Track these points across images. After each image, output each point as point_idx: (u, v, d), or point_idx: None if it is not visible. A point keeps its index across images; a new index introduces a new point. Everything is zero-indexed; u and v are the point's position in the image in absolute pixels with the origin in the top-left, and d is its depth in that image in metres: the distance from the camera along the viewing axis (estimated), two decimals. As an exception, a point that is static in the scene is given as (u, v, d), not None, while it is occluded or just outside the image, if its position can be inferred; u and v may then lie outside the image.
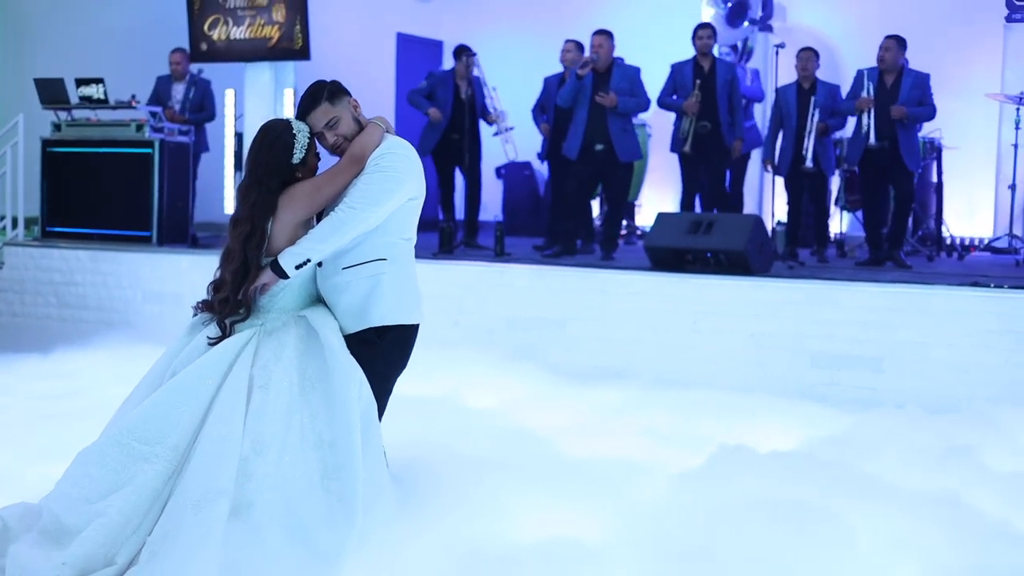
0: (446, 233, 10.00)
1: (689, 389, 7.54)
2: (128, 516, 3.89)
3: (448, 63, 14.84)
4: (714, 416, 6.87)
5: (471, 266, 9.08)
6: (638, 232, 12.75)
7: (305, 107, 4.39)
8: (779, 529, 4.52)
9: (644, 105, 9.86)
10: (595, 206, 11.56)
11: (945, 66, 9.68)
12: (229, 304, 4.22)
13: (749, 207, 12.04)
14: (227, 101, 11.37)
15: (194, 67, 11.39)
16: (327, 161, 4.42)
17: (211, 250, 10.37)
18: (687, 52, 10.47)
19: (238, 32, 10.60)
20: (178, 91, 11.47)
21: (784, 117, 10.33)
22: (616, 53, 10.03)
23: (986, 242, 12.12)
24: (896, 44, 9.62)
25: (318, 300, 4.42)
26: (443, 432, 5.81)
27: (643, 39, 12.36)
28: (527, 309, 8.64)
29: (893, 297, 7.54)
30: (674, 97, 10.17)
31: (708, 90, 10.01)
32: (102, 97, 10.82)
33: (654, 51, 11.70)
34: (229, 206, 11.29)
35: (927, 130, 10.45)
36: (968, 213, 12.66)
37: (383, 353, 4.36)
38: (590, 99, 9.70)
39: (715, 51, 10.78)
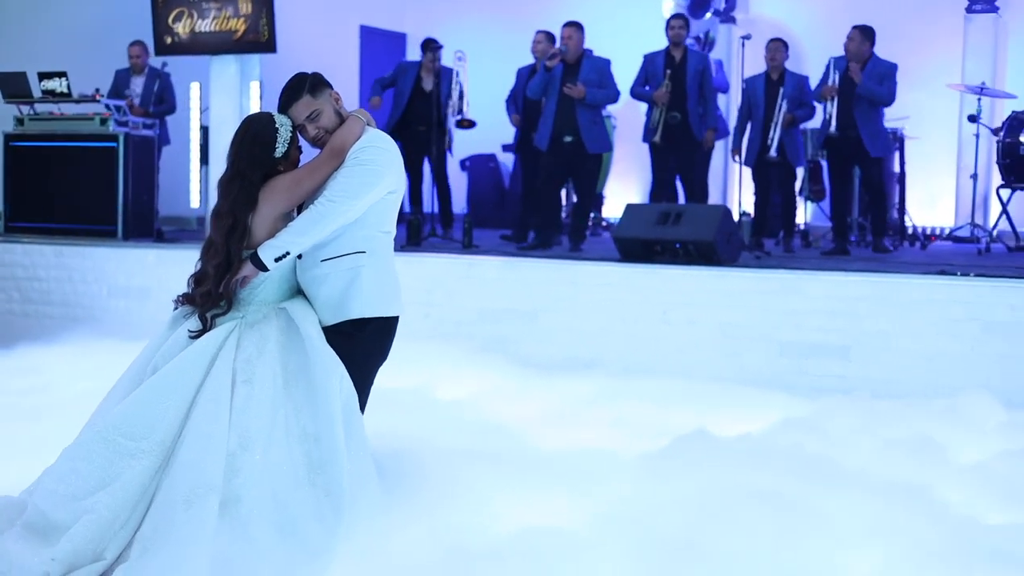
0: (414, 225, 10.00)
1: (659, 379, 7.58)
2: (116, 512, 3.88)
3: (412, 56, 14.88)
4: (684, 406, 6.89)
5: (440, 258, 9.08)
6: (604, 223, 12.79)
7: (286, 100, 4.38)
8: (751, 517, 4.54)
9: (613, 97, 9.87)
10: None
11: (906, 57, 9.76)
12: (211, 297, 4.21)
13: (714, 198, 12.11)
14: (192, 95, 11.30)
15: (158, 60, 11.32)
16: (308, 153, 4.41)
17: (177, 244, 10.33)
18: (656, 44, 10.51)
19: (203, 25, 10.52)
20: (137, 84, 11.40)
21: (752, 107, 10.38)
22: (587, 45, 10.03)
23: (947, 231, 12.26)
24: (860, 34, 9.67)
25: (298, 292, 4.42)
26: (415, 425, 5.79)
27: (611, 31, 12.39)
28: (497, 301, 8.65)
29: (860, 286, 7.60)
30: (646, 88, 10.20)
31: (678, 80, 10.05)
32: (65, 91, 10.73)
33: (624, 43, 11.73)
34: (195, 200, 11.23)
35: (889, 120, 10.52)
36: (930, 202, 12.80)
37: (362, 345, 4.36)
38: (559, 91, 9.71)
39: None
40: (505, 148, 13.90)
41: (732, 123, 12.04)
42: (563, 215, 11.22)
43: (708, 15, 13.39)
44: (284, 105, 4.39)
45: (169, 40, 10.77)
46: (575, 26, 9.81)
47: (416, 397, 6.87)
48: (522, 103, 10.84)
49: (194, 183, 11.31)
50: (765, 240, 10.42)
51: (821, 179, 12.06)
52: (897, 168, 11.74)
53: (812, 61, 11.35)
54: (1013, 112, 10.69)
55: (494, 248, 9.96)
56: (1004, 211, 10.83)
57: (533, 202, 10.37)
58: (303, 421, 4.10)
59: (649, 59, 10.29)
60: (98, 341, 9.01)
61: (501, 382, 7.63)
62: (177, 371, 4.09)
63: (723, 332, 7.89)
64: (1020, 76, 11.87)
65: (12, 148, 10.89)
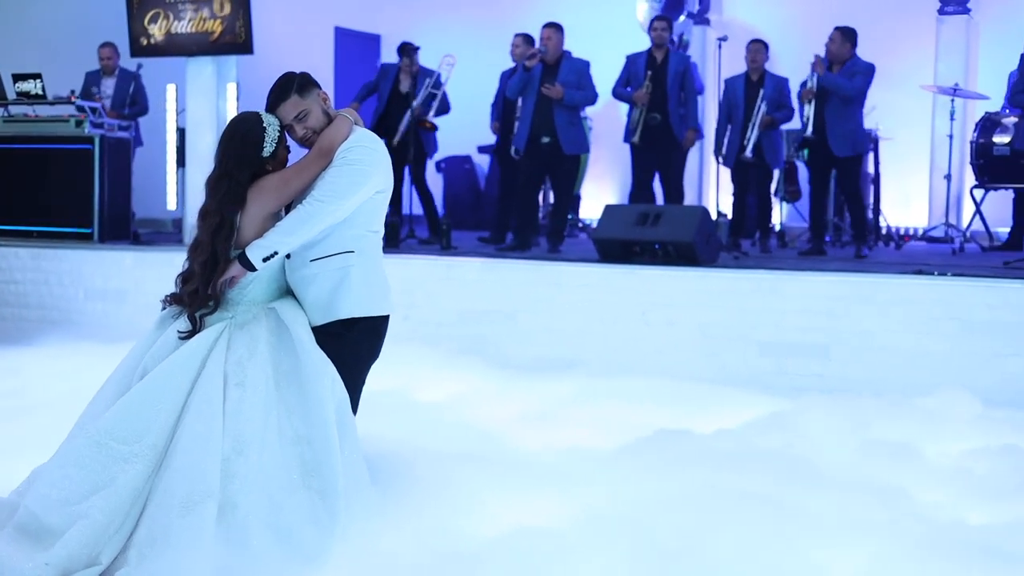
0: (392, 227, 9.99)
1: (639, 379, 7.59)
2: (111, 517, 3.86)
3: (387, 57, 14.89)
4: (665, 406, 6.91)
5: (419, 260, 9.08)
6: (581, 224, 12.81)
7: (274, 99, 4.37)
8: (733, 516, 4.57)
9: (591, 99, 9.90)
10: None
11: (879, 58, 9.81)
12: (199, 297, 4.18)
13: (689, 198, 12.15)
14: (169, 96, 11.24)
15: (130, 62, 11.26)
16: (296, 153, 4.40)
17: (154, 247, 10.28)
18: (631, 47, 10.53)
19: (179, 26, 10.48)
20: (108, 86, 11.37)
21: (732, 108, 10.42)
22: (564, 48, 10.05)
23: (921, 231, 12.35)
24: (841, 35, 9.67)
25: (287, 292, 4.41)
26: (397, 427, 5.77)
27: (588, 34, 12.42)
28: (477, 302, 8.66)
29: (839, 286, 7.64)
30: (628, 88, 10.22)
31: (659, 81, 10.07)
32: (40, 93, 10.66)
33: (601, 46, 11.75)
34: (172, 202, 11.18)
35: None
36: (903, 203, 12.89)
37: (351, 345, 4.35)
38: (537, 92, 9.73)
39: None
40: (481, 150, 13.91)
41: (707, 124, 12.10)
42: (540, 216, 11.24)
43: (682, 17, 13.44)
44: (272, 105, 4.38)
45: (145, 42, 10.72)
46: (555, 27, 9.82)
47: (397, 399, 6.86)
48: (502, 105, 10.85)
49: (171, 185, 11.26)
50: (742, 241, 10.47)
51: (796, 180, 12.14)
52: (872, 169, 11.82)
53: (785, 63, 11.39)
54: (986, 113, 10.79)
55: (473, 250, 9.96)
56: (977, 211, 10.93)
57: (511, 204, 10.38)
58: (295, 423, 4.09)
59: (631, 60, 10.32)
60: (75, 344, 8.98)
61: (481, 383, 7.63)
62: (168, 374, 4.06)
63: (703, 332, 7.92)
64: (992, 77, 11.96)
65: (-14, 151, 10.82)
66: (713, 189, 11.53)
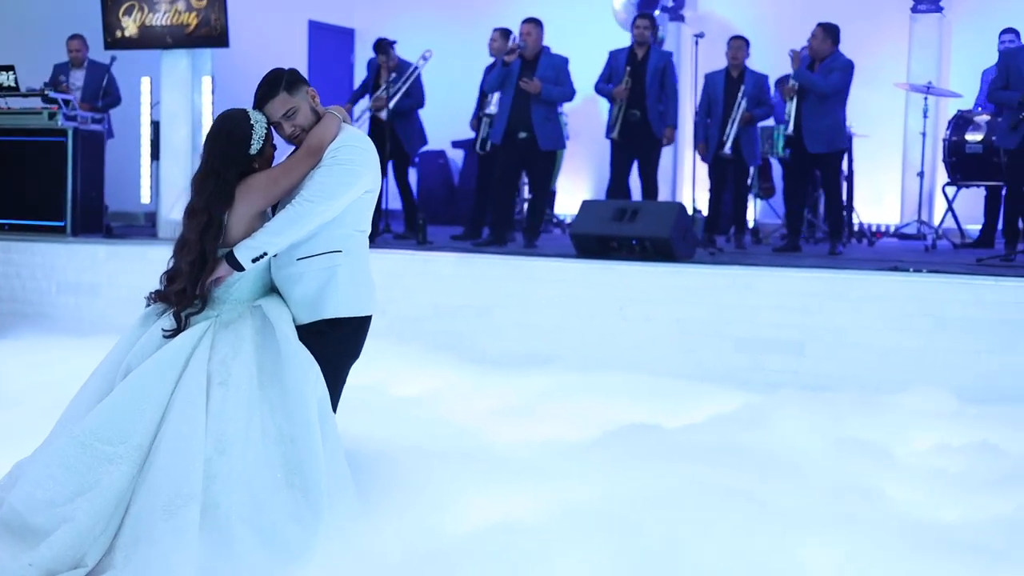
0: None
1: (616, 374, 7.61)
2: (96, 519, 3.84)
3: (360, 52, 14.87)
4: (641, 401, 6.94)
5: (396, 255, 9.06)
6: (555, 220, 12.82)
7: (262, 96, 4.30)
8: (711, 512, 4.58)
9: (569, 95, 9.90)
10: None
11: (853, 55, 9.84)
12: (186, 296, 4.15)
13: (663, 195, 12.18)
14: (143, 89, 11.17)
15: (102, 54, 11.18)
16: (283, 150, 4.37)
17: (127, 240, 10.21)
18: (611, 43, 10.54)
19: (155, 19, 10.41)
20: (77, 78, 11.29)
21: (711, 104, 10.44)
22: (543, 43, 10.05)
23: (894, 228, 12.43)
24: (823, 31, 9.67)
25: (272, 289, 4.37)
26: (373, 423, 5.75)
27: (561, 28, 12.43)
28: (453, 297, 8.66)
29: (815, 282, 7.68)
30: (609, 84, 10.23)
31: (638, 78, 10.08)
32: (13, 85, 10.56)
33: (579, 42, 11.75)
34: (146, 196, 11.11)
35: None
36: (876, 199, 12.97)
37: (335, 344, 4.33)
38: (515, 86, 9.73)
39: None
40: (455, 144, 13.90)
41: (682, 119, 12.12)
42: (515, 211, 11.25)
43: (657, 13, 13.46)
44: (260, 101, 4.31)
45: (119, 34, 10.65)
46: (534, 23, 9.82)
47: (374, 394, 6.84)
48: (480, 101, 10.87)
49: (144, 179, 11.18)
50: (716, 237, 10.50)
51: (770, 177, 12.20)
52: (845, 166, 11.87)
53: (758, 58, 11.42)
54: (959, 111, 10.88)
55: (448, 245, 9.95)
56: (950, 208, 11.03)
57: (487, 199, 10.38)
58: (279, 422, 4.06)
59: (613, 55, 10.32)
60: (48, 337, 8.94)
61: (458, 378, 7.64)
62: (152, 373, 4.03)
63: (679, 328, 7.95)
64: (964, 75, 12.06)
65: (-42, 143, 10.72)
66: (686, 185, 11.56)
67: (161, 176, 10.67)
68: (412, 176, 14.03)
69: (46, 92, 10.63)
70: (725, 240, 10.88)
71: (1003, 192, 10.12)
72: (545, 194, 10.45)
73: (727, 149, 10.21)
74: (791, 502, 4.81)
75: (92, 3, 10.97)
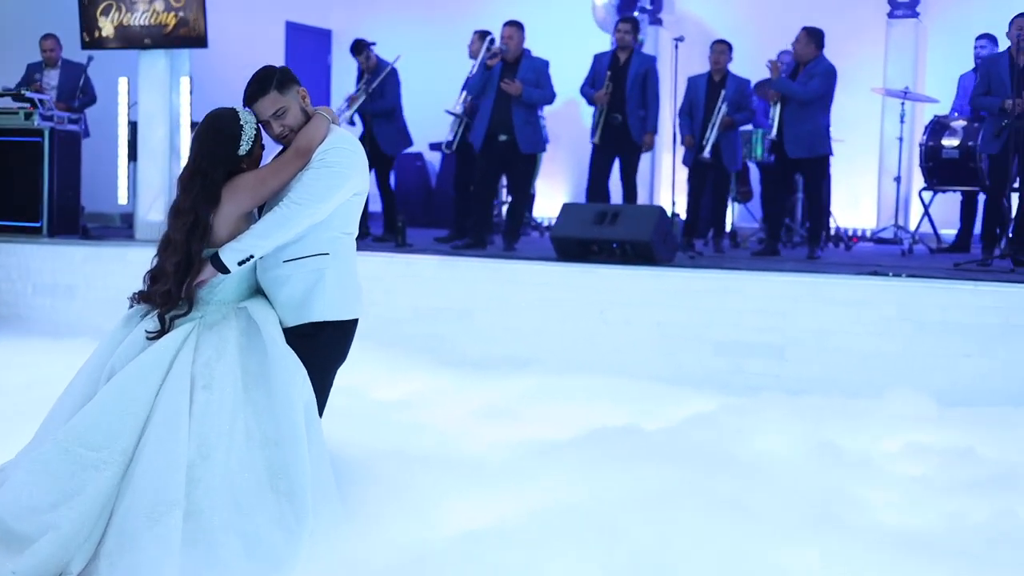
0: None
1: (596, 378, 7.61)
2: (80, 526, 3.79)
3: (337, 53, 14.84)
4: (621, 404, 6.95)
5: (376, 257, 9.03)
6: (534, 223, 12.82)
7: (252, 93, 4.25)
8: (689, 514, 4.59)
9: (549, 98, 9.90)
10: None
11: (830, 60, 9.90)
12: (171, 298, 4.10)
13: (642, 198, 12.20)
14: (120, 89, 11.10)
15: (76, 53, 11.11)
16: (270, 149, 4.34)
17: (104, 242, 10.15)
18: (592, 47, 10.56)
19: (133, 19, 10.34)
20: (51, 77, 11.20)
21: (692, 108, 10.45)
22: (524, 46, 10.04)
23: (869, 233, 12.49)
24: (806, 35, 9.69)
25: (257, 291, 4.34)
26: (354, 427, 5.73)
27: (541, 31, 12.44)
28: (434, 300, 8.64)
29: (795, 286, 7.70)
30: (592, 89, 10.23)
31: (619, 83, 10.09)
32: (-12, 84, 10.51)
33: (557, 44, 11.75)
34: (123, 197, 11.04)
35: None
36: (852, 204, 13.03)
37: (322, 347, 4.31)
38: (496, 89, 9.72)
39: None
40: (432, 147, 13.89)
41: (661, 123, 12.13)
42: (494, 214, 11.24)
43: (635, 15, 13.48)
44: (249, 99, 4.26)
45: (97, 34, 10.58)
46: (516, 26, 9.82)
47: (354, 398, 6.79)
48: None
49: (122, 179, 11.11)
50: (695, 241, 10.52)
51: (748, 181, 12.24)
52: (828, 171, 11.92)
53: (736, 61, 11.47)
54: (935, 116, 10.93)
55: (428, 247, 9.94)
56: (926, 213, 11.09)
57: (468, 202, 10.37)
58: (264, 426, 4.03)
59: (597, 59, 10.33)
60: (24, 339, 8.90)
61: (438, 382, 7.63)
62: (135, 377, 3.98)
63: (660, 331, 7.95)
64: (940, 80, 12.13)
65: (-67, 144, 10.62)
66: (664, 189, 11.57)
67: (138, 177, 10.61)
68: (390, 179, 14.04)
69: (21, 92, 10.54)
70: (703, 244, 10.90)
71: (980, 197, 10.18)
72: (525, 197, 10.45)
73: (706, 153, 10.24)
74: (770, 506, 4.81)
75: (66, 2, 10.90)
